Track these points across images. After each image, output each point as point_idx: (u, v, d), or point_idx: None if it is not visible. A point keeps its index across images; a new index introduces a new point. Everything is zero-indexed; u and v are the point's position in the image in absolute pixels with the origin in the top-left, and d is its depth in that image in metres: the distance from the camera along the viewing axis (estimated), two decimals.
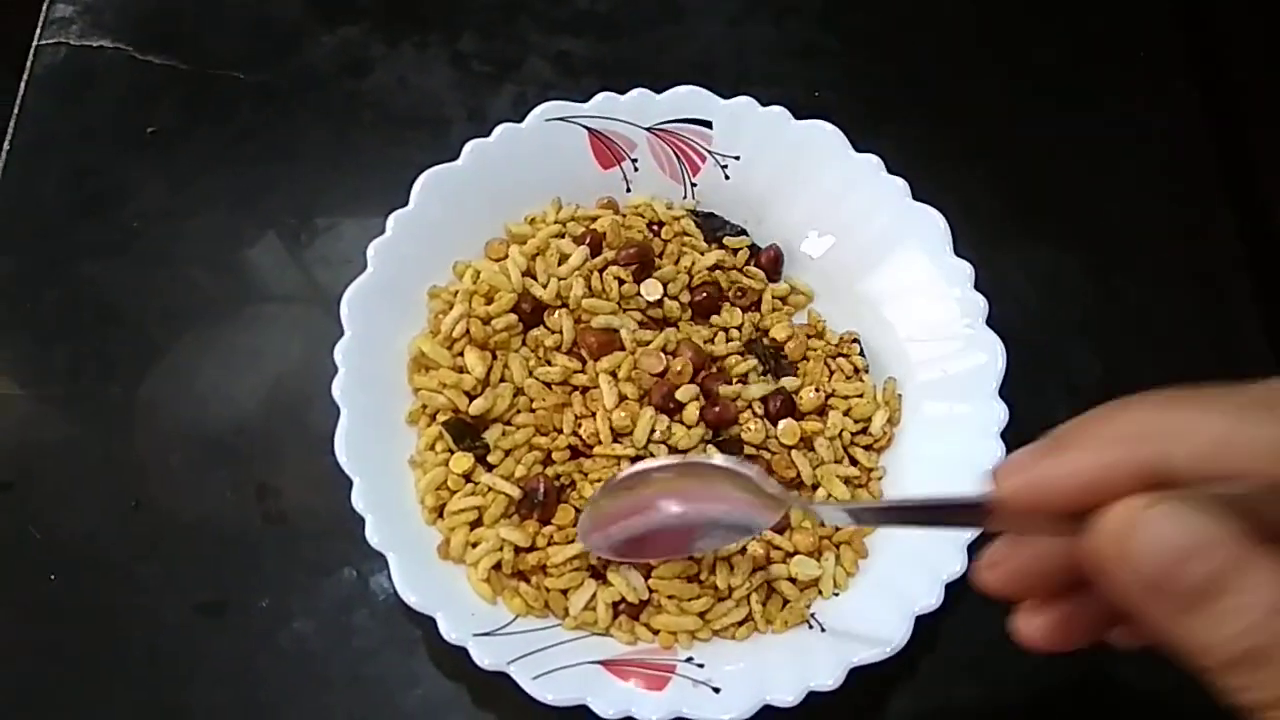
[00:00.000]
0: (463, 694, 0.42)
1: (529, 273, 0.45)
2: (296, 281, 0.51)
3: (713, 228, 0.48)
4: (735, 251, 0.47)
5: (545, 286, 0.45)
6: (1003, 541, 0.27)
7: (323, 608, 0.43)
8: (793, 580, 0.41)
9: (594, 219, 0.47)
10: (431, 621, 0.37)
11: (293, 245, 0.52)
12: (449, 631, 0.37)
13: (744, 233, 0.48)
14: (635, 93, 0.46)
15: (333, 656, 0.43)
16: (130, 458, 0.46)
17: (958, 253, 0.44)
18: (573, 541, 0.40)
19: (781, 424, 0.43)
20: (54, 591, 0.44)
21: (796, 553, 0.41)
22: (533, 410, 0.43)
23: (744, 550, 0.41)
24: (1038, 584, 0.27)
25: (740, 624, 0.40)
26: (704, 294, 0.46)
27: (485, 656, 0.36)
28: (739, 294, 0.46)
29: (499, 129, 0.45)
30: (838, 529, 0.42)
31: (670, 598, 0.40)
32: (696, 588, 0.40)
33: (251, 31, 0.57)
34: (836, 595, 0.41)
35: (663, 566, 0.40)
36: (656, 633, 0.40)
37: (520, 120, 0.46)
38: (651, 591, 0.40)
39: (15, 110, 0.54)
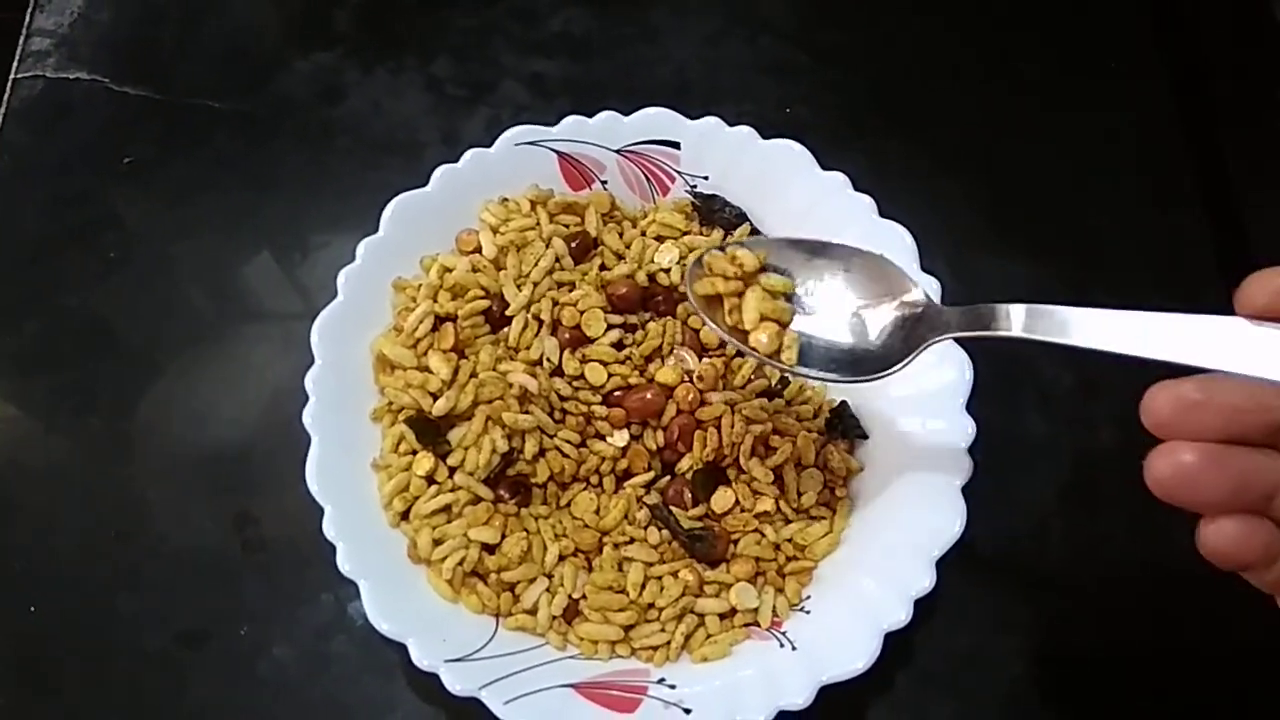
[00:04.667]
0: (440, 718, 0.42)
1: (499, 264, 0.45)
2: (275, 309, 0.51)
3: (711, 209, 0.47)
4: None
5: (520, 288, 0.44)
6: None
7: (301, 635, 0.44)
8: (721, 617, 0.41)
9: (573, 206, 0.47)
10: (405, 647, 0.37)
11: (271, 273, 0.52)
12: (420, 658, 0.37)
13: (744, 217, 0.47)
14: (604, 115, 0.47)
15: (312, 683, 0.43)
16: (111, 488, 0.47)
17: (933, 265, 0.44)
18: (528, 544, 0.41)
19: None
20: (35, 622, 0.44)
21: (737, 581, 0.41)
22: (490, 402, 0.42)
23: (676, 574, 0.41)
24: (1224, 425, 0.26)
25: (656, 649, 0.40)
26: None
27: (457, 682, 0.37)
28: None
29: (468, 154, 0.46)
30: (787, 559, 0.42)
31: (597, 610, 0.41)
32: (624, 599, 0.41)
33: (226, 60, 0.57)
34: (805, 613, 0.41)
35: (595, 575, 0.41)
36: (581, 641, 0.40)
37: (492, 143, 0.46)
38: (581, 599, 0.41)
39: None
